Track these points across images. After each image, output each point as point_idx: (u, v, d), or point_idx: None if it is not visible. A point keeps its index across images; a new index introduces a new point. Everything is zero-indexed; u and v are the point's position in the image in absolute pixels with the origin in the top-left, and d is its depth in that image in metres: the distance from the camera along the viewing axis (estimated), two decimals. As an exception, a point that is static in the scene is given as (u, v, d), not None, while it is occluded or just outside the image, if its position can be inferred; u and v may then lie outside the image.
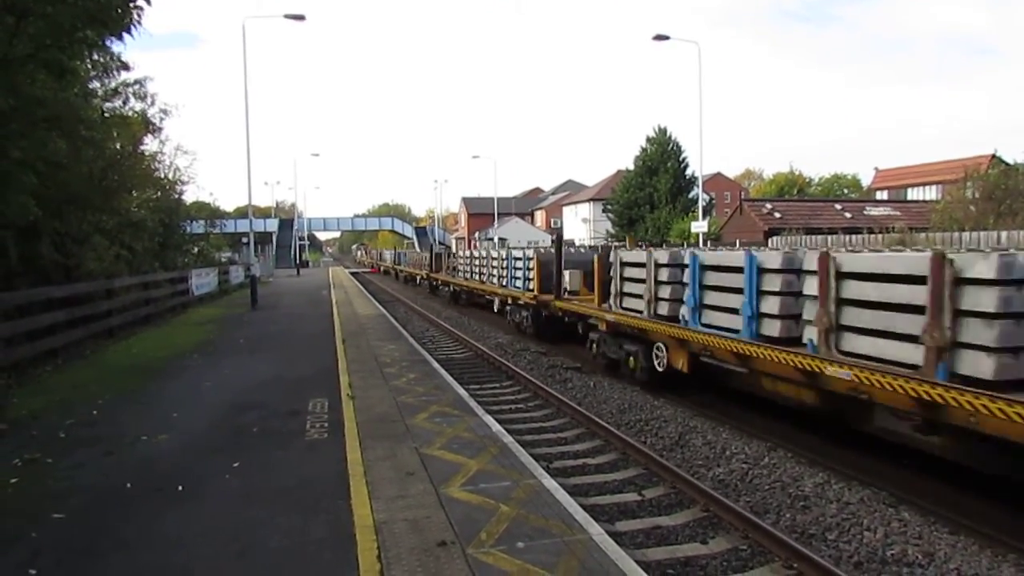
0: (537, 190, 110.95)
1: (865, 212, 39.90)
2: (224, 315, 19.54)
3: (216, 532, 4.53)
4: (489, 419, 7.22)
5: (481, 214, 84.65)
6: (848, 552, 5.18)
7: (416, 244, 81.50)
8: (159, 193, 22.21)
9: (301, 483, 5.40)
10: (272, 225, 77.54)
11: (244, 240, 33.75)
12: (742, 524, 5.55)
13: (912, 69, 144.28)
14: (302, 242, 72.98)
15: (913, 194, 52.61)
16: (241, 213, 41.29)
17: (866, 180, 68.90)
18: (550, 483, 5.30)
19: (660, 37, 26.59)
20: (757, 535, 5.36)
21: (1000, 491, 5.72)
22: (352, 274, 50.55)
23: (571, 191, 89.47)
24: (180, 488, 5.33)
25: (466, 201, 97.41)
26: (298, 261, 63.69)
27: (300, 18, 22.65)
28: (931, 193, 48.36)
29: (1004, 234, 18.31)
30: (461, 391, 8.63)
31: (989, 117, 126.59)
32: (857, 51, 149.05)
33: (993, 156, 40.24)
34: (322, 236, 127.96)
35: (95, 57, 13.81)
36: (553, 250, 14.80)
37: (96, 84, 15.54)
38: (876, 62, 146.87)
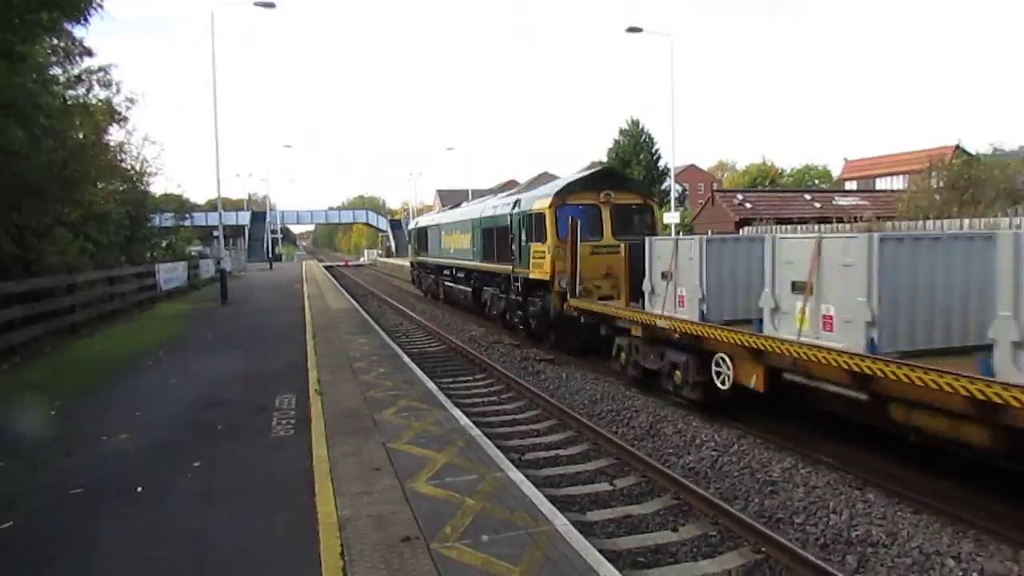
0: (512, 182, 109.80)
1: (834, 202, 40.32)
2: (193, 310, 19.18)
3: (176, 534, 4.42)
4: (457, 412, 7.16)
5: (456, 206, 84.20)
6: (815, 535, 5.24)
7: (391, 237, 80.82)
8: (126, 185, 21.67)
9: (265, 481, 5.30)
10: (244, 218, 76.19)
11: (215, 233, 33.15)
12: (712, 510, 5.59)
13: (883, 60, 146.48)
14: (275, 235, 71.90)
15: (881, 184, 53.29)
16: (212, 206, 40.52)
17: (836, 171, 69.83)
18: (516, 475, 5.26)
19: (633, 29, 26.54)
20: (726, 521, 5.40)
21: (962, 471, 5.83)
22: (327, 268, 49.94)
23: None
24: (140, 489, 5.19)
25: (441, 193, 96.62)
26: (271, 255, 62.81)
27: (270, 5, 22.25)
28: (899, 183, 49.01)
29: (967, 222, 18.67)
30: (431, 385, 8.55)
31: (955, 108, 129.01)
32: (829, 43, 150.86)
33: (957, 147, 41.03)
34: (296, 229, 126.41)
35: (54, 41, 13.40)
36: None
37: (57, 71, 15.10)
38: (847, 54, 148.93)
